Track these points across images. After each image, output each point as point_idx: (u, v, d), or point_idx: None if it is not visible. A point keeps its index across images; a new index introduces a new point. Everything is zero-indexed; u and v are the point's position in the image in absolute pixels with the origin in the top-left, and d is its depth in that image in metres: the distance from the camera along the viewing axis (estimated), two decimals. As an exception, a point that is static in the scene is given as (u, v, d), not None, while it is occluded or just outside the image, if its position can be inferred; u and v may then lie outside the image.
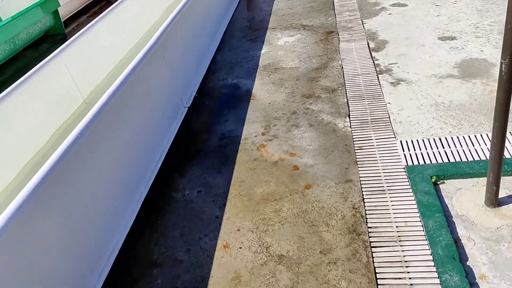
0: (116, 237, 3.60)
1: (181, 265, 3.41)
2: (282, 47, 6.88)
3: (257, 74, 6.15)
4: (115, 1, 7.43)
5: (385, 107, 4.83)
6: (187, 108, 5.51)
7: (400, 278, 2.97)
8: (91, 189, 3.41)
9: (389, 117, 4.65)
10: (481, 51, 5.68)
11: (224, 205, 3.93)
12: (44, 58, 5.20)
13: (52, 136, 4.93)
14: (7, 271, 2.50)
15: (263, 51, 6.85)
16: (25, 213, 2.63)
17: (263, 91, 5.67)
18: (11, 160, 4.38)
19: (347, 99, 5.16)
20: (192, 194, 4.12)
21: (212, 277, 3.26)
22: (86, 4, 10.74)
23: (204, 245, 3.55)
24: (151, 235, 3.73)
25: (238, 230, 3.64)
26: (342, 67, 5.92)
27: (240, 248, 3.47)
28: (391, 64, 5.73)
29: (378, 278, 3.00)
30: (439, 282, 2.87)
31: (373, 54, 6.08)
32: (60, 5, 9.10)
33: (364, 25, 7.11)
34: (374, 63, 5.82)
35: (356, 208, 3.64)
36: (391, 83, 5.29)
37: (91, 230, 3.35)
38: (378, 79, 5.42)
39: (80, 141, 3.26)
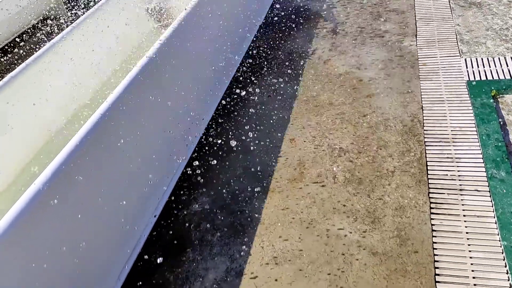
0: (199, 128, 4.17)
1: (252, 152, 3.92)
2: (353, -29, 6.89)
3: (327, -4, 6.31)
4: None
5: (453, 28, 4.91)
6: (258, 26, 5.85)
7: (449, 170, 3.30)
8: (181, 87, 3.94)
9: (456, 38, 4.75)
10: None
11: (291, 108, 4.35)
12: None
13: (133, 48, 5.51)
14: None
15: (334, -25, 6.91)
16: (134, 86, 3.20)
17: (332, 12, 5.86)
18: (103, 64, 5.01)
19: (415, 20, 5.27)
20: (263, 98, 4.56)
21: (279, 162, 3.76)
22: None
23: (273, 138, 4.02)
24: (225, 127, 4.25)
25: (303, 128, 4.07)
26: (413, -9, 5.93)
27: (304, 141, 3.91)
28: (464, -12, 5.67)
29: (429, 170, 3.36)
30: (485, 175, 3.18)
31: (447, -21, 6.01)
32: None
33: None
34: (447, -12, 5.78)
35: (415, 115, 3.93)
36: (462, 6, 5.29)
37: (182, 107, 3.93)
38: (449, 2, 5.43)
39: (167, 43, 3.70)
